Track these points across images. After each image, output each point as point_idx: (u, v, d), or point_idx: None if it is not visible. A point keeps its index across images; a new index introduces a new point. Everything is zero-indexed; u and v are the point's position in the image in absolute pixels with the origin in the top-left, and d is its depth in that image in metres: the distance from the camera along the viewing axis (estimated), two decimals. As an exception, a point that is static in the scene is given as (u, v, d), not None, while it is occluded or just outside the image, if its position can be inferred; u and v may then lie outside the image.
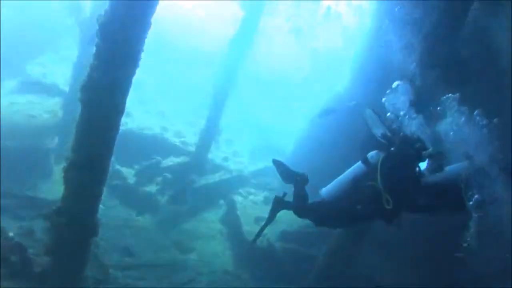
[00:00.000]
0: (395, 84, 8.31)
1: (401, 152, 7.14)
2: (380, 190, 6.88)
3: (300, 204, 7.82)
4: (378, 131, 7.45)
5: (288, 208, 7.97)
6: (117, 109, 6.79)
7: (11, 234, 10.39)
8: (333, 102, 16.28)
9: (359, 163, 7.52)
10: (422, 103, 7.89)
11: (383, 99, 8.25)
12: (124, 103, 6.84)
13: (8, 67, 19.81)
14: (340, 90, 16.86)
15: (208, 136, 17.73)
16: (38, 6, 23.65)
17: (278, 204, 7.93)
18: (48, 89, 18.85)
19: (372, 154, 7.42)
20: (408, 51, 9.36)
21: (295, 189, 7.92)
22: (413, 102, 7.94)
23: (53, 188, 14.10)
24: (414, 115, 7.64)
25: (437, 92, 7.79)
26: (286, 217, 8.36)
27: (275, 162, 8.33)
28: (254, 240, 8.59)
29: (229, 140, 21.41)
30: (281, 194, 7.98)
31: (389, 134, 7.39)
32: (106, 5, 6.59)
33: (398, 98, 8.08)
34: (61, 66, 20.71)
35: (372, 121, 7.57)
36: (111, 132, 6.86)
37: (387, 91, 8.31)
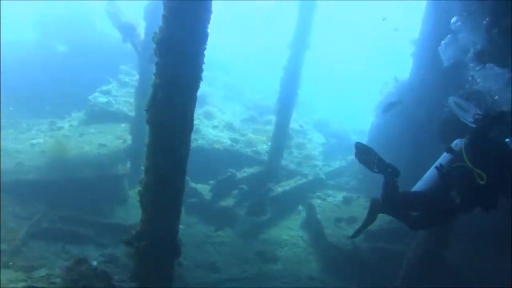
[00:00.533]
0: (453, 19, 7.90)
1: (483, 125, 6.77)
2: (469, 168, 6.52)
3: (390, 195, 7.46)
4: (469, 116, 7.03)
5: (385, 212, 7.69)
6: (186, 126, 6.67)
7: (94, 263, 10.49)
8: (397, 92, 15.93)
9: (444, 154, 7.16)
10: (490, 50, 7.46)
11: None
12: (192, 119, 6.71)
13: (74, 99, 20.39)
14: (404, 79, 16.49)
15: (279, 142, 17.61)
16: (94, 36, 24.33)
17: (376, 206, 7.64)
18: (114, 116, 19.25)
19: (456, 142, 7.05)
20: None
21: (385, 180, 7.54)
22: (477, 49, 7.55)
23: (130, 213, 14.34)
24: (479, 66, 7.26)
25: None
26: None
27: (359, 146, 7.95)
28: (352, 237, 8.45)
29: (300, 144, 21.21)
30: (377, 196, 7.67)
31: (481, 115, 6.95)
32: (159, 22, 6.51)
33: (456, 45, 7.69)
34: (123, 92, 21.10)
35: (460, 108, 7.15)
36: (183, 150, 6.73)
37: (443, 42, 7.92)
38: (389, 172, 7.47)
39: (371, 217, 7.71)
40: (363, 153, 7.77)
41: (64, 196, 14.02)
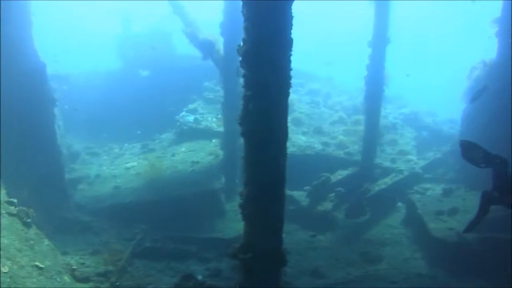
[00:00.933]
0: None
1: None
2: None
3: (504, 186, 7.17)
4: None
5: (500, 204, 7.43)
6: (280, 134, 6.65)
7: (200, 277, 10.67)
8: (486, 76, 15.45)
9: None
10: None
11: None
12: (286, 126, 6.67)
13: (162, 121, 20.95)
14: (491, 61, 15.98)
15: (370, 141, 17.41)
16: (174, 57, 24.94)
17: (488, 199, 7.39)
18: (203, 133, 19.70)
19: None
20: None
21: (495, 173, 7.28)
22: None
23: (230, 226, 14.51)
24: None
25: None
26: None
27: (464, 144, 7.70)
28: (465, 232, 8.23)
29: (392, 140, 20.87)
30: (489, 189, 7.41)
31: None
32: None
33: None
34: (209, 108, 21.47)
35: None
36: (280, 159, 6.71)
37: None
38: (497, 163, 7.20)
39: (483, 210, 7.45)
40: (470, 150, 7.52)
41: (163, 215, 14.40)
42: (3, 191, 10.81)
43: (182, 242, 13.89)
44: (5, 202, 10.58)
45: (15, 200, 10.83)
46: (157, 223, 14.28)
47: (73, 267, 11.45)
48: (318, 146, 19.32)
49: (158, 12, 28.09)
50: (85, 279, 11.24)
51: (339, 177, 17.32)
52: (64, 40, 43.19)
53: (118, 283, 11.42)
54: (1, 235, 9.40)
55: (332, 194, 16.58)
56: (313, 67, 30.23)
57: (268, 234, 7.05)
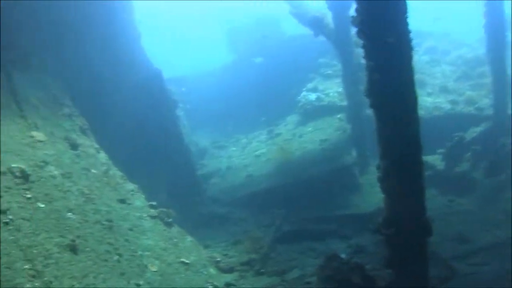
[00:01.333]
0: None
1: None
2: None
3: None
4: None
5: None
6: (410, 100, 6.41)
7: (343, 255, 10.51)
8: None
9: None
10: None
11: None
12: (414, 91, 6.42)
13: (284, 104, 20.97)
14: None
15: (501, 92, 16.55)
16: (285, 40, 24.93)
17: None
18: (327, 110, 19.57)
19: None
20: None
21: None
22: None
23: (366, 199, 14.27)
24: None
25: None
26: None
27: None
28: None
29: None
30: None
31: None
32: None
33: None
34: (329, 84, 21.22)
35: None
36: (414, 125, 6.46)
37: None
38: None
39: None
40: None
41: (298, 197, 14.39)
42: (142, 196, 11.25)
43: (320, 222, 13.85)
44: (147, 206, 11.04)
45: (155, 203, 11.27)
46: (293, 205, 14.33)
47: (217, 259, 11.83)
48: (446, 106, 18.73)
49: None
50: (230, 270, 11.58)
51: (473, 135, 16.64)
52: (170, 44, 44.44)
53: (263, 270, 11.58)
54: (146, 237, 9.84)
55: (468, 154, 15.94)
56: (422, 25, 29.28)
57: (411, 204, 6.81)
